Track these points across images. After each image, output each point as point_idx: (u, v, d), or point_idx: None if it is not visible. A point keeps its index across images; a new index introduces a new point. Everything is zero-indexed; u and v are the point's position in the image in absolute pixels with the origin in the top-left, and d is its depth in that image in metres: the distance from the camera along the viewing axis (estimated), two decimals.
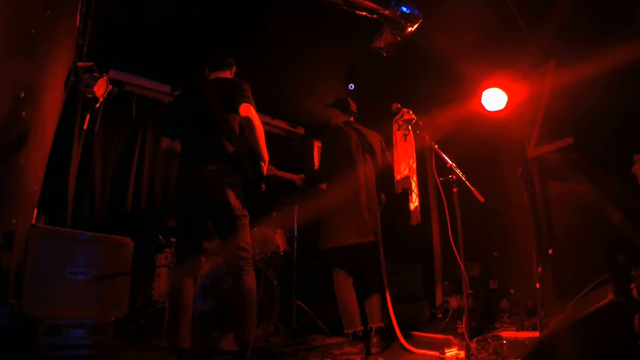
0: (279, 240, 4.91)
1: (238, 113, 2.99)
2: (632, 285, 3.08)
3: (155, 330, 4.01)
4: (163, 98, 5.81)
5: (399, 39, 4.21)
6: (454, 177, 3.25)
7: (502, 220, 5.22)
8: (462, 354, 3.09)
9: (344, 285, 3.79)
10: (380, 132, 4.18)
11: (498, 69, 4.70)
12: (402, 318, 3.99)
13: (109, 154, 5.35)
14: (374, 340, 3.67)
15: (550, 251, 4.34)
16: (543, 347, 2.17)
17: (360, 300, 3.80)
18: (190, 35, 4.65)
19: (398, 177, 3.75)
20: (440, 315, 5.29)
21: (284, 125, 7.22)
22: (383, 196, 4.14)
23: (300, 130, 7.44)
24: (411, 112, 3.71)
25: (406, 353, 3.63)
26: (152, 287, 4.41)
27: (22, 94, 2.55)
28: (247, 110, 2.95)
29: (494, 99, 4.56)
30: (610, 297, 2.01)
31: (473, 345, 3.18)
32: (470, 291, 3.35)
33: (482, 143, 5.42)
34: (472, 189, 3.20)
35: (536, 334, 3.85)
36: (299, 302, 4.70)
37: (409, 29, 4.16)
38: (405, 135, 3.76)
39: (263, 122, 3.23)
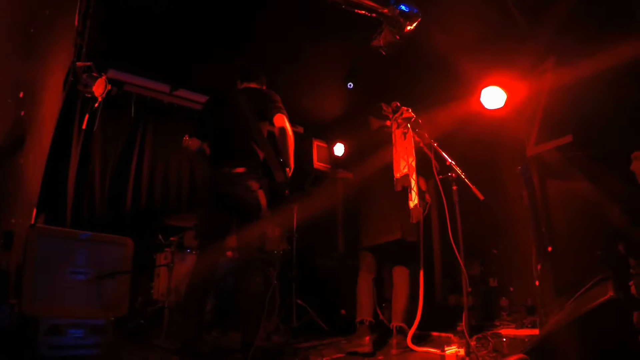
0: (278, 239, 4.92)
1: (270, 122, 3.20)
2: (631, 283, 3.09)
3: (155, 329, 4.01)
4: (162, 98, 5.80)
5: (398, 37, 4.21)
6: (454, 175, 3.26)
7: (501, 218, 5.23)
8: (462, 351, 3.08)
9: (361, 279, 3.92)
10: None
11: (497, 67, 4.69)
12: None
13: (108, 153, 5.34)
14: (394, 341, 3.70)
15: (549, 249, 4.34)
16: (543, 344, 2.18)
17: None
18: (189, 35, 4.64)
19: (397, 175, 3.75)
20: (440, 313, 5.29)
21: None
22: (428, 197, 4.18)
23: (299, 129, 7.44)
24: (410, 110, 3.71)
25: (406, 351, 3.63)
26: (151, 286, 4.41)
27: (21, 94, 2.55)
28: (282, 120, 3.15)
29: (493, 97, 4.56)
30: (610, 294, 2.01)
31: (473, 342, 3.17)
32: (469, 289, 3.34)
33: (481, 141, 5.43)
34: (472, 186, 3.21)
35: (536, 331, 3.86)
36: (299, 301, 4.70)
37: (408, 28, 4.17)
38: (405, 134, 3.76)
39: None
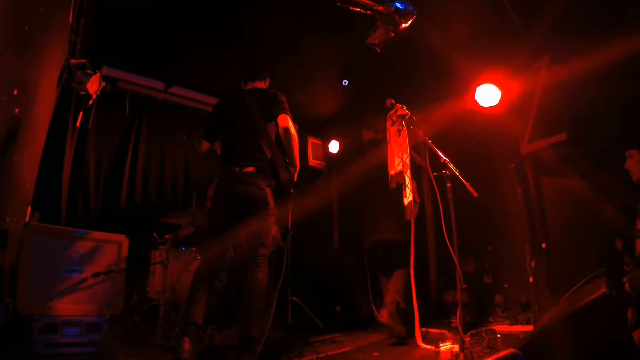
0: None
1: (276, 123, 3.30)
2: (625, 279, 3.12)
3: (151, 327, 4.00)
4: (157, 95, 5.78)
5: (393, 34, 4.22)
6: (448, 172, 3.26)
7: (496, 216, 5.25)
8: (456, 347, 3.10)
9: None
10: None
11: (492, 65, 4.71)
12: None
13: (102, 150, 5.32)
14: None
15: (543, 245, 4.36)
16: (537, 340, 2.19)
17: None
18: (183, 31, 4.62)
19: (392, 172, 3.76)
20: (434, 310, 5.32)
21: None
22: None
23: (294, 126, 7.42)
24: (405, 108, 3.71)
25: (401, 347, 3.65)
26: (146, 284, 4.40)
27: (15, 91, 2.54)
28: (285, 121, 3.28)
29: (487, 95, 4.58)
30: (603, 290, 2.03)
31: (467, 339, 3.20)
32: (464, 286, 3.36)
33: (475, 139, 5.44)
34: (466, 184, 3.21)
35: (530, 327, 3.89)
36: (294, 299, 4.70)
37: (403, 25, 4.17)
38: (399, 131, 3.76)
39: None
